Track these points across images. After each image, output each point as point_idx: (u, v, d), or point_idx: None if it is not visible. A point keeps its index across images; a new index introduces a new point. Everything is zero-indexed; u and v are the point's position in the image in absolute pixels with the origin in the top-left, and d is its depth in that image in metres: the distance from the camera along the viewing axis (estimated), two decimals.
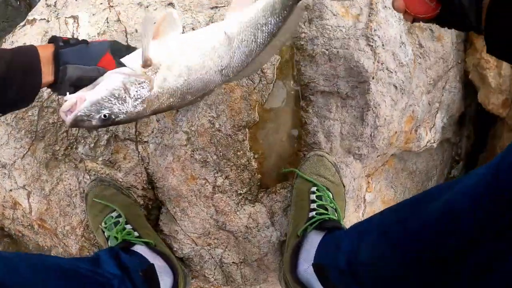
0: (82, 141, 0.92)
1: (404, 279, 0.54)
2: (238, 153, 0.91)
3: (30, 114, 0.93)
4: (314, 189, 0.88)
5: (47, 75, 0.65)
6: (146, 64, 0.64)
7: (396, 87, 0.94)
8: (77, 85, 0.66)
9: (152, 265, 0.83)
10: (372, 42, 0.90)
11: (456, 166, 1.35)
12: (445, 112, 1.16)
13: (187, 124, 0.90)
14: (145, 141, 0.91)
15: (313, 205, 0.87)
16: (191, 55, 0.68)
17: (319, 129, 0.93)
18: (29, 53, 0.64)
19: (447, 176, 1.34)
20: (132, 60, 0.65)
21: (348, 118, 0.93)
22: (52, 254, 1.03)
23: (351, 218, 1.01)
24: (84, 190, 0.93)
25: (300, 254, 0.81)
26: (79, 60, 0.66)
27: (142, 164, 0.92)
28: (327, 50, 0.90)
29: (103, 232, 0.89)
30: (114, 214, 0.89)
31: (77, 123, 0.62)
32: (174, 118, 0.90)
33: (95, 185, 0.92)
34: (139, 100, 0.64)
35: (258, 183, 0.93)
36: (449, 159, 1.32)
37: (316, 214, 0.85)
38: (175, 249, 0.94)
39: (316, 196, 0.87)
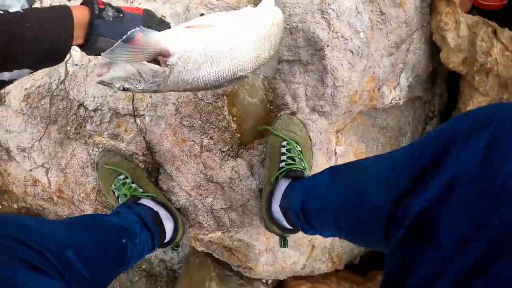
0: (89, 120, 1.12)
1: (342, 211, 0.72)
2: (219, 117, 1.08)
3: (43, 103, 1.12)
4: (284, 143, 1.05)
5: (78, 38, 0.66)
6: (164, 53, 0.68)
7: (352, 52, 1.08)
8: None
9: (157, 212, 1.01)
10: (326, 15, 1.05)
11: (430, 122, 1.48)
12: (410, 72, 1.29)
13: (175, 97, 1.08)
14: (141, 115, 1.10)
15: (283, 157, 1.03)
16: (211, 52, 0.71)
17: (286, 92, 1.09)
18: (63, 17, 0.64)
19: (421, 132, 1.47)
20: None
21: (310, 81, 1.08)
22: None
23: (324, 167, 1.17)
24: (94, 161, 1.13)
25: (272, 198, 0.99)
26: (111, 35, 0.68)
27: (141, 134, 1.11)
28: (288, 24, 1.06)
29: (114, 192, 1.08)
30: (121, 176, 1.07)
31: (103, 84, 0.69)
32: (164, 94, 1.09)
33: (103, 155, 1.10)
34: (154, 84, 0.70)
35: (238, 141, 1.10)
36: (422, 116, 1.45)
37: (285, 164, 1.01)
38: (173, 201, 1.13)
39: (286, 149, 1.04)
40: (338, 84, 1.08)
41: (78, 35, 0.66)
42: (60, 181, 1.17)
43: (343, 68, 1.07)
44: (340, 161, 1.21)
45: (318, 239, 1.24)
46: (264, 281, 1.29)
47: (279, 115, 1.09)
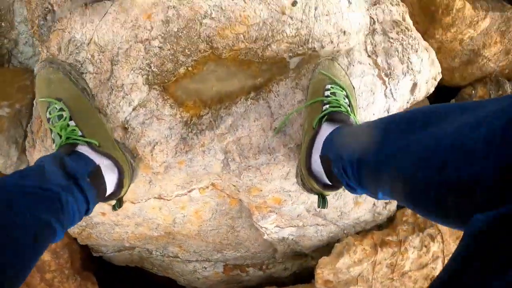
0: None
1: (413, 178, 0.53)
2: None
3: None
4: (328, 86, 0.94)
5: None
6: None
7: None
8: None
9: (98, 166, 0.83)
10: None
11: None
12: None
13: None
14: None
15: (327, 100, 0.92)
16: None
17: None
18: None
19: None
20: None
21: None
22: None
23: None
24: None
25: (313, 145, 0.87)
26: None
27: None
28: None
29: (48, 120, 0.89)
30: (57, 106, 0.88)
31: None
32: None
33: (43, 66, 0.92)
34: None
35: None
36: None
37: (329, 107, 0.90)
38: None
39: (330, 93, 0.93)
40: None
41: None
42: None
43: None
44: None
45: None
46: None
47: (318, 61, 0.99)
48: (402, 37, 1.14)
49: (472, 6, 1.43)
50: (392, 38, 1.13)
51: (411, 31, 1.17)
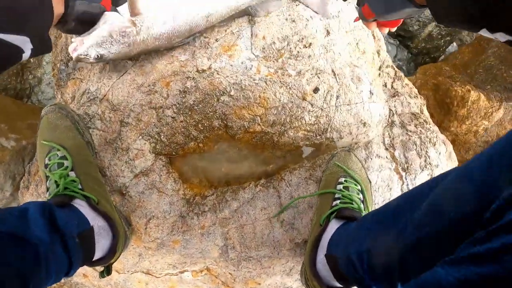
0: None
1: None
2: None
3: None
4: (342, 179, 0.89)
5: (58, 4, 0.71)
6: (134, 13, 0.82)
7: None
8: (80, 20, 0.76)
9: (92, 228, 0.76)
10: None
11: None
12: None
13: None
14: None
15: (338, 195, 0.87)
16: (176, 4, 0.86)
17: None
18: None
19: None
20: (123, 10, 0.84)
21: None
22: None
23: None
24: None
25: (319, 244, 0.80)
26: None
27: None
28: None
29: (46, 167, 0.83)
30: (59, 153, 0.83)
31: (79, 59, 0.82)
32: None
33: (53, 110, 0.89)
34: (125, 44, 0.83)
35: None
36: None
37: (340, 203, 0.85)
38: None
39: (343, 187, 0.88)
40: None
41: (57, 2, 0.70)
42: None
43: None
44: None
45: None
46: None
47: (335, 152, 0.94)
48: (421, 130, 1.10)
49: (487, 97, 1.42)
50: (410, 131, 1.10)
51: (429, 123, 1.14)
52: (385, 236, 0.62)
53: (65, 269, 0.71)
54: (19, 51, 0.63)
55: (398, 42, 1.67)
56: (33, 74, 1.33)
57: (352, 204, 0.85)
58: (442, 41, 1.59)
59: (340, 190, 0.87)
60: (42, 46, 0.67)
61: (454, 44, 1.63)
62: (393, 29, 0.81)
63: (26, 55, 0.65)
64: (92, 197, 0.80)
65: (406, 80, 1.18)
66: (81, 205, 0.78)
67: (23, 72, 1.32)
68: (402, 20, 0.76)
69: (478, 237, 0.35)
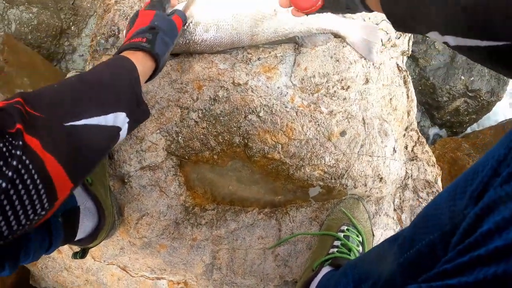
0: None
1: None
2: None
3: None
4: (344, 228, 0.87)
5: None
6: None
7: None
8: None
9: (78, 208, 0.75)
10: None
11: None
12: None
13: None
14: None
15: (337, 243, 0.85)
16: (221, 16, 0.87)
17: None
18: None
19: None
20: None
21: None
22: None
23: None
24: None
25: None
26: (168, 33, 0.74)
27: None
28: None
29: None
30: None
31: None
32: None
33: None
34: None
35: None
36: None
37: (337, 251, 0.83)
38: None
39: (344, 235, 0.85)
40: None
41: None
42: None
43: None
44: None
45: None
46: None
47: (344, 198, 0.91)
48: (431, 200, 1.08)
49: None
50: (421, 197, 1.08)
51: None
52: (366, 282, 0.61)
53: (45, 248, 0.69)
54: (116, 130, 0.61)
55: (423, 109, 1.68)
56: (70, 42, 1.31)
57: (349, 255, 0.83)
58: (468, 118, 1.59)
59: (340, 238, 0.85)
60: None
61: (478, 123, 1.64)
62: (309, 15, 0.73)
63: (123, 132, 0.63)
64: (87, 177, 0.79)
65: (427, 147, 1.17)
66: None
67: (61, 37, 1.31)
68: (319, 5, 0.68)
69: (447, 258, 0.36)
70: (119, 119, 0.60)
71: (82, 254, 0.82)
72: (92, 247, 0.83)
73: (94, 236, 0.79)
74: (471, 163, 1.38)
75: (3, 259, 0.58)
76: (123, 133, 0.63)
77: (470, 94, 1.56)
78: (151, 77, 0.73)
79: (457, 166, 1.37)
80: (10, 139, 0.44)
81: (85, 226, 0.77)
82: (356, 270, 0.68)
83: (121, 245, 0.94)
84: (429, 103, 1.63)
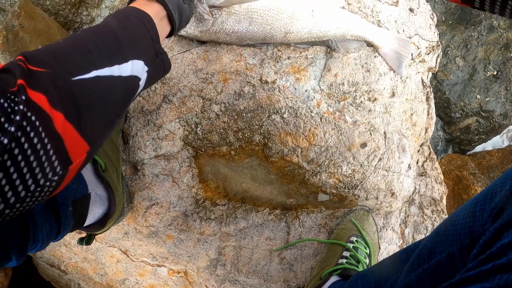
0: None
1: None
2: None
3: None
4: (353, 239, 0.87)
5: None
6: (214, 5, 0.82)
7: None
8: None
9: (89, 195, 0.71)
10: None
11: None
12: None
13: None
14: None
15: (346, 253, 0.85)
16: (257, 9, 0.84)
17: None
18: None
19: None
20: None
21: None
22: None
23: None
24: None
25: None
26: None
27: None
28: None
29: None
30: None
31: None
32: None
33: None
34: (197, 30, 0.84)
35: None
36: None
37: (346, 262, 0.83)
38: None
39: (353, 247, 0.86)
40: None
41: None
42: None
43: None
44: None
45: None
46: None
47: (354, 208, 0.91)
48: (435, 218, 1.09)
49: None
50: (426, 214, 1.08)
51: (445, 214, 1.13)
52: None
53: (53, 235, 0.66)
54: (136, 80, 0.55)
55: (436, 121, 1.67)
56: (88, 12, 1.26)
57: (358, 267, 0.83)
58: (477, 137, 1.59)
59: (350, 248, 0.85)
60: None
61: (487, 143, 1.64)
62: None
63: (142, 81, 0.57)
64: (100, 163, 0.74)
65: (437, 164, 1.17)
66: (86, 167, 0.73)
67: (80, 5, 1.26)
68: None
69: (470, 267, 0.38)
70: (136, 68, 0.54)
71: (88, 240, 0.80)
72: (99, 234, 0.81)
73: (102, 224, 0.76)
74: (475, 183, 1.39)
75: (10, 250, 0.54)
76: (142, 83, 0.57)
77: (483, 114, 1.56)
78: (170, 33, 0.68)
79: (461, 185, 1.38)
80: (12, 96, 0.39)
81: (94, 212, 0.74)
82: (367, 280, 0.68)
83: (126, 230, 0.93)
84: (441, 117, 1.63)
